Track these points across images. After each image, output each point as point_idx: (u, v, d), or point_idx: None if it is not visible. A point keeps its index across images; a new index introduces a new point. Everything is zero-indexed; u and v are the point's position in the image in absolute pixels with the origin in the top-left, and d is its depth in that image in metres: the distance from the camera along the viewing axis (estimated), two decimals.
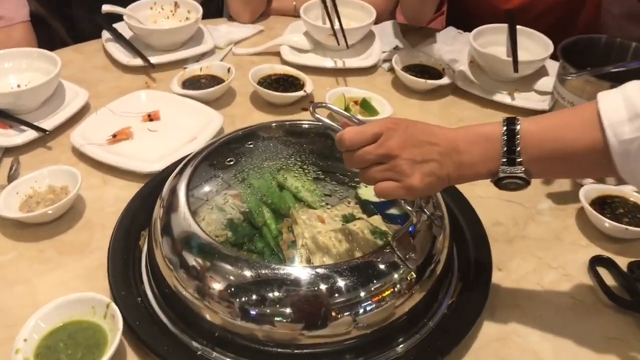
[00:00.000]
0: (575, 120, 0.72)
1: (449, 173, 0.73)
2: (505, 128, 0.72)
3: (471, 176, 0.74)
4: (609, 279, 0.89)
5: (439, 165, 0.73)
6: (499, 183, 0.73)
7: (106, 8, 1.38)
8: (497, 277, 0.89)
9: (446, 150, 0.73)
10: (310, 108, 0.78)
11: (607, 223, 0.95)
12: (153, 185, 1.00)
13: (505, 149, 0.71)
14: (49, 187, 1.00)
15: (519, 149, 0.71)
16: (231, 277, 0.75)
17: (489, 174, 0.73)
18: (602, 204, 1.00)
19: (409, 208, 0.77)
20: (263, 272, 0.75)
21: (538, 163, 0.72)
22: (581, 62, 1.09)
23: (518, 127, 0.71)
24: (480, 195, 1.05)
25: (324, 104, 0.82)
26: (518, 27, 1.29)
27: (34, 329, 0.75)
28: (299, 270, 0.75)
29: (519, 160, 0.71)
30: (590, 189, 1.00)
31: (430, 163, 0.72)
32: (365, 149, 0.73)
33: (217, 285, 0.75)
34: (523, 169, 0.71)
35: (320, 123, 0.77)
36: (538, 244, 0.97)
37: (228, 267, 0.76)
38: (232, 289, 0.75)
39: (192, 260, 0.78)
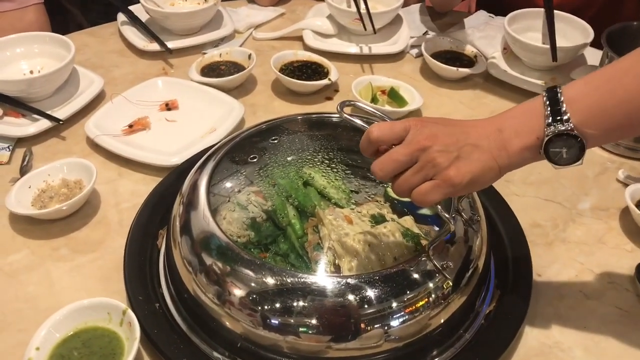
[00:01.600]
0: (620, 62, 0.65)
1: (494, 156, 0.65)
2: (545, 93, 0.65)
3: (520, 151, 0.65)
4: None
5: (478, 149, 0.64)
6: (549, 149, 0.64)
7: None
8: (536, 284, 0.83)
9: (486, 133, 0.65)
10: (337, 107, 0.72)
11: None
12: (171, 180, 0.95)
13: (548, 108, 0.64)
14: (63, 181, 0.96)
15: (564, 106, 0.63)
16: (253, 284, 0.70)
17: (539, 142, 0.64)
18: None
19: (446, 215, 0.70)
20: (288, 280, 0.70)
21: (588, 115, 0.63)
22: (627, 51, 1.01)
23: (559, 88, 0.64)
24: (517, 193, 1.00)
25: (351, 102, 0.76)
26: (555, 11, 1.22)
27: (46, 337, 0.71)
28: (326, 279, 0.70)
29: (565, 117, 0.63)
30: (636, 189, 0.94)
31: (467, 148, 0.64)
32: (395, 150, 0.65)
33: (239, 292, 0.70)
34: (572, 125, 0.63)
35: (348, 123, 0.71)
36: (579, 247, 0.91)
37: (250, 273, 0.71)
38: (255, 296, 0.70)
39: (212, 263, 0.73)
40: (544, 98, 0.65)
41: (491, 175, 0.66)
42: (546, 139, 0.64)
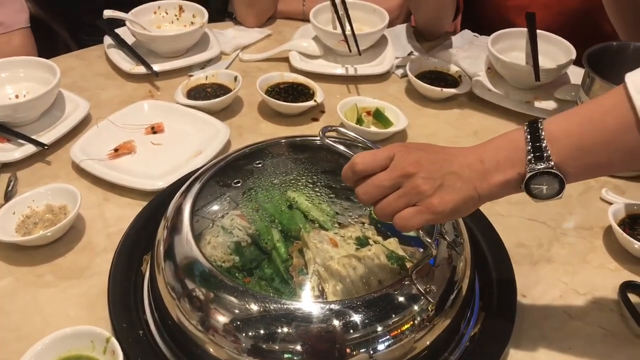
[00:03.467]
0: (602, 99, 0.65)
1: (475, 186, 0.66)
2: (527, 128, 0.65)
3: (501, 184, 0.66)
4: None
5: (460, 179, 0.66)
6: (530, 185, 0.65)
7: (107, 13, 1.33)
8: (521, 305, 0.84)
9: (467, 162, 0.67)
10: (320, 132, 0.72)
11: (637, 245, 0.89)
12: (157, 204, 0.95)
13: (530, 145, 0.64)
14: (47, 207, 0.96)
15: (545, 142, 0.64)
16: (237, 310, 0.70)
17: (520, 178, 0.65)
18: (633, 223, 0.94)
19: (428, 240, 0.71)
20: (272, 306, 0.70)
21: (568, 154, 0.64)
22: (608, 71, 1.03)
23: (540, 124, 0.65)
24: (501, 213, 1.00)
25: (333, 127, 0.77)
26: (538, 31, 1.23)
27: None
28: (310, 305, 0.70)
29: (546, 154, 0.64)
30: (619, 208, 0.95)
31: (450, 177, 0.65)
32: (378, 176, 0.66)
33: (222, 318, 0.70)
34: (552, 163, 0.64)
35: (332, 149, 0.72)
36: (564, 267, 0.91)
37: (233, 299, 0.71)
38: (238, 323, 0.70)
39: (195, 289, 0.73)
40: (526, 133, 0.65)
41: (471, 204, 0.67)
42: (528, 175, 0.65)
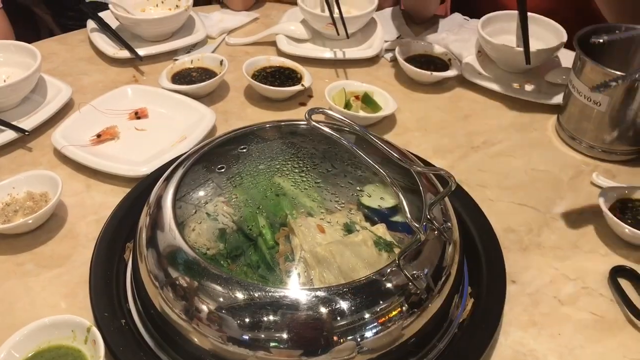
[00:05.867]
0: None
1: None
2: None
3: None
4: (631, 292, 0.83)
5: None
6: None
7: None
8: (511, 291, 0.83)
9: None
10: (306, 114, 0.71)
11: (627, 229, 0.88)
12: (140, 191, 0.93)
13: None
14: (28, 194, 0.93)
15: None
16: (221, 299, 0.68)
17: None
18: (623, 208, 0.93)
19: (416, 225, 0.69)
20: (257, 293, 0.68)
21: None
22: (599, 53, 1.01)
23: None
24: (491, 198, 0.99)
25: (320, 110, 0.75)
26: (529, 14, 1.21)
27: (6, 359, 0.69)
28: (297, 292, 0.68)
29: None
30: (610, 192, 0.93)
31: None
32: None
33: (206, 307, 0.68)
34: None
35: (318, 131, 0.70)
36: (554, 252, 0.90)
37: (217, 287, 0.69)
38: (223, 311, 0.68)
39: (179, 277, 0.71)
40: None
41: None
42: None
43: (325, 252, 0.77)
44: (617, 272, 0.85)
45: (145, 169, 0.99)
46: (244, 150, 0.89)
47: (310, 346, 0.67)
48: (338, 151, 0.88)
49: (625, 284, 0.84)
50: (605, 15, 1.28)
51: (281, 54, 1.33)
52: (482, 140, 1.11)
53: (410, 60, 1.28)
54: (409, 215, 0.68)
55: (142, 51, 1.30)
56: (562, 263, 0.88)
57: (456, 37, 1.33)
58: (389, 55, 1.35)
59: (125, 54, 1.30)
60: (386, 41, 1.37)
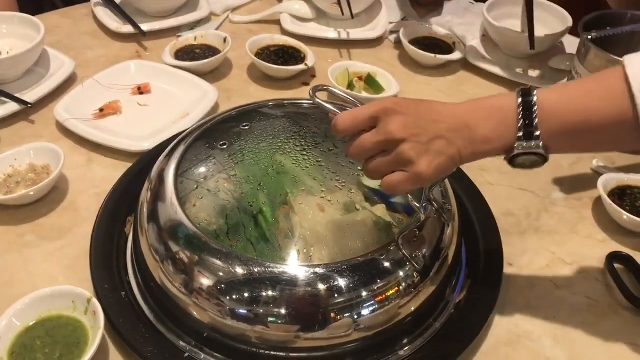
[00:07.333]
0: (600, 87, 0.64)
1: (459, 150, 0.65)
2: (520, 100, 0.64)
3: (485, 153, 0.66)
4: (627, 278, 0.84)
5: (447, 143, 0.64)
6: (514, 160, 0.65)
7: None
8: (507, 273, 0.83)
9: (455, 126, 0.65)
10: (310, 91, 0.70)
11: (625, 216, 0.89)
12: (142, 166, 0.93)
13: (521, 122, 0.63)
14: (30, 166, 0.94)
15: (536, 121, 0.63)
16: (221, 273, 0.69)
17: (505, 149, 0.65)
18: (622, 194, 0.93)
19: (416, 204, 0.70)
20: (256, 269, 0.69)
21: (558, 137, 0.64)
22: (603, 40, 1.01)
23: (534, 98, 0.63)
24: (490, 182, 0.99)
25: (324, 87, 0.75)
26: None
27: (7, 326, 0.70)
28: (295, 268, 0.69)
29: (537, 134, 0.63)
30: (609, 178, 0.94)
31: (437, 142, 0.64)
32: (363, 137, 0.65)
33: (206, 281, 0.69)
34: (541, 144, 0.63)
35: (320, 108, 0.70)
36: (552, 237, 0.91)
37: (217, 262, 0.70)
38: (222, 286, 0.69)
39: (179, 252, 0.72)
40: (519, 108, 0.64)
41: (454, 167, 0.67)
42: (515, 152, 0.64)
43: (325, 231, 0.78)
44: (613, 258, 0.86)
45: (147, 144, 0.99)
46: (246, 128, 0.89)
47: (308, 322, 0.68)
48: None
49: (621, 269, 0.85)
50: (610, 2, 1.27)
51: (285, 32, 1.32)
52: None
53: (414, 42, 1.28)
54: (410, 195, 0.69)
55: (145, 27, 1.29)
56: (559, 247, 0.89)
57: (461, 20, 1.33)
58: (393, 37, 1.35)
59: (128, 29, 1.29)
60: (391, 23, 1.37)
